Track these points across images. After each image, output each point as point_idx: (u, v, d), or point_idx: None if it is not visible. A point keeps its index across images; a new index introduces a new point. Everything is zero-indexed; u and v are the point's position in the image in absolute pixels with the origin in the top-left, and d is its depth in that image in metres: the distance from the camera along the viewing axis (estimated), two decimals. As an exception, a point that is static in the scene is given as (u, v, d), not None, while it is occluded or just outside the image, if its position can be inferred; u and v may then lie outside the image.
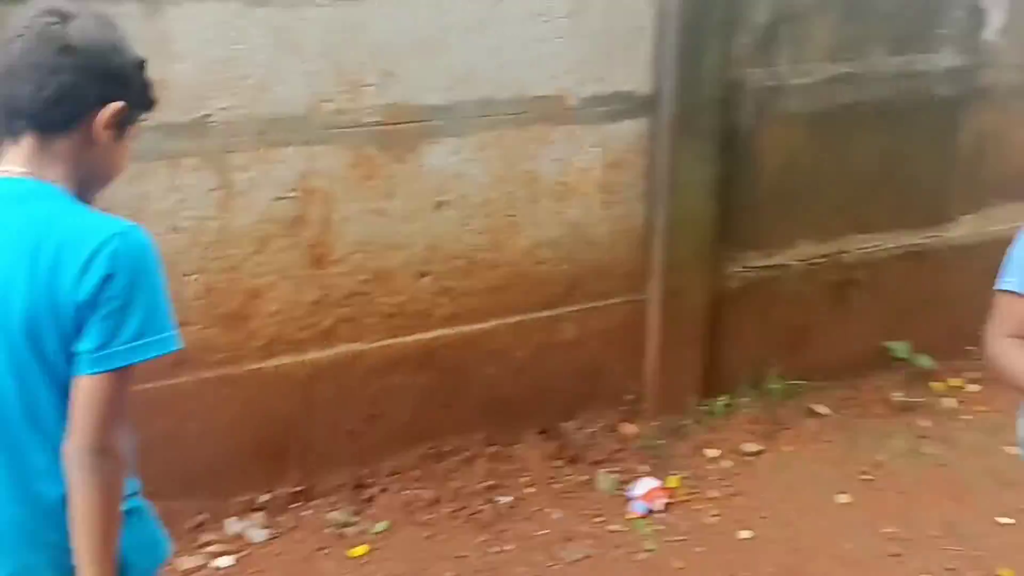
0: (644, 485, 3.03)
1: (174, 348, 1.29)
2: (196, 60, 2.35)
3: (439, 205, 2.82)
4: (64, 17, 1.28)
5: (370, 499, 2.94)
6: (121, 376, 1.26)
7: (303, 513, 2.88)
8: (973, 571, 2.77)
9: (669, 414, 3.32)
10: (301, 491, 2.90)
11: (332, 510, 2.89)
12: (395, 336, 2.90)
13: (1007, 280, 1.73)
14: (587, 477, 3.11)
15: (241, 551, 2.73)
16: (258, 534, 2.77)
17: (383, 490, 2.97)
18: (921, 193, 3.56)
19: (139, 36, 2.27)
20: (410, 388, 2.98)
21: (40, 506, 1.34)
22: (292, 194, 2.59)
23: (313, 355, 2.79)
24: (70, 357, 1.27)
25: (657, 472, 3.13)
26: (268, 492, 2.85)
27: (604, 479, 3.09)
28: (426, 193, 2.79)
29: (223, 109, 2.42)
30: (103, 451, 1.27)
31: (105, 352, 1.24)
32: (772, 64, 3.17)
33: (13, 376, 1.28)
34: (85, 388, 1.26)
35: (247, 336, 2.67)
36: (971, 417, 3.53)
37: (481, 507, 2.96)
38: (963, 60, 3.42)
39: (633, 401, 3.33)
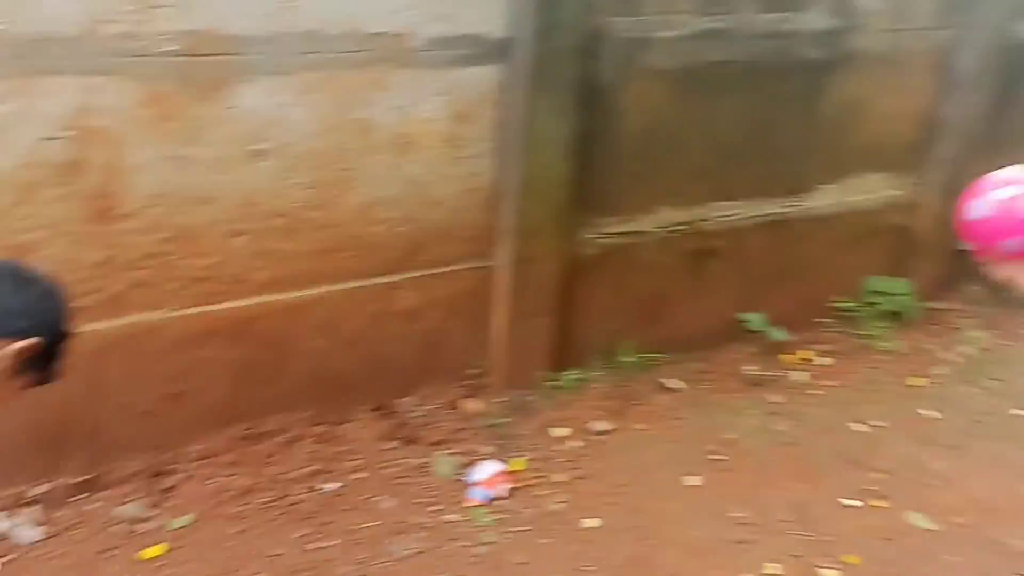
0: (486, 469, 2.78)
1: None
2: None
3: (255, 155, 2.42)
4: None
5: (171, 489, 2.57)
6: None
7: (87, 507, 2.48)
8: (819, 557, 2.67)
9: (516, 390, 3.07)
10: (86, 481, 2.49)
11: (123, 503, 2.50)
12: (203, 304, 2.51)
13: None
14: (424, 460, 2.83)
15: (6, 555, 2.31)
16: (29, 533, 2.36)
17: (188, 478, 2.60)
18: (783, 160, 3.40)
19: None
20: (222, 362, 2.60)
21: None
22: (65, 133, 2.14)
23: (100, 325, 2.37)
24: None
25: (501, 454, 2.89)
26: (45, 483, 2.43)
27: (442, 462, 2.82)
28: (238, 140, 2.39)
29: (-33, 24, 1.95)
30: None
31: None
32: (637, 13, 2.90)
33: None
34: None
35: (12, 303, 2.22)
36: (822, 392, 3.45)
37: (302, 496, 2.64)
38: (834, 22, 3.26)
39: (477, 376, 3.06)
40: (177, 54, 2.21)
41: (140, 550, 2.38)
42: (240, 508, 2.56)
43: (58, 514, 2.43)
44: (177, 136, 2.29)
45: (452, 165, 2.77)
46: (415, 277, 2.85)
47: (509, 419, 3.01)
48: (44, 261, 2.22)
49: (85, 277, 2.30)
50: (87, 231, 2.26)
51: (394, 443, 2.86)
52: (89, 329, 2.35)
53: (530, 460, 2.88)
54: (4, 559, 2.29)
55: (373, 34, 2.50)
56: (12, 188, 2.12)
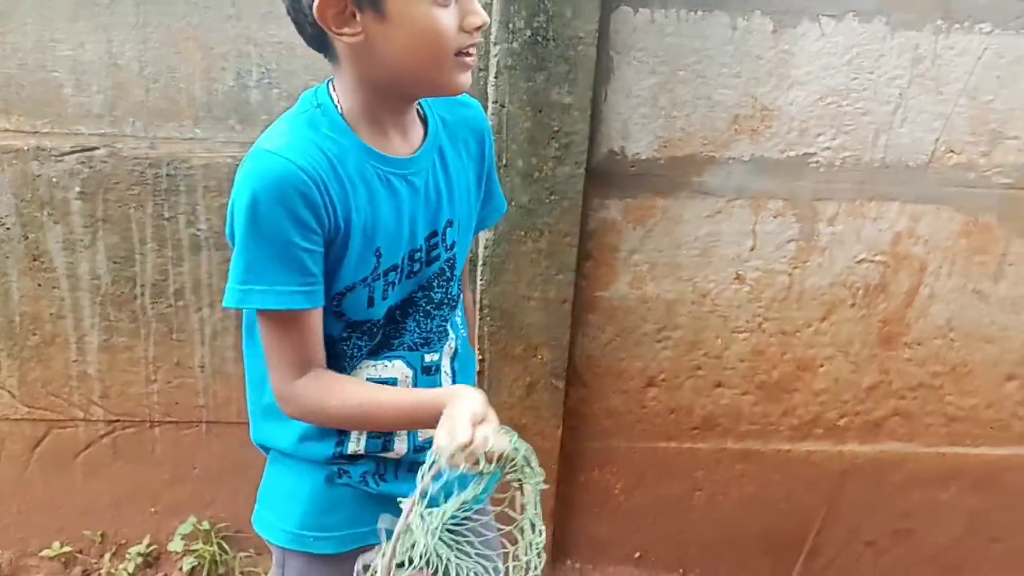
0: None
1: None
2: (813, 88, 1.97)
3: (1058, 297, 2.19)
4: None
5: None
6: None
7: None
8: None
9: None
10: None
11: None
12: (955, 445, 2.33)
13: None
14: None
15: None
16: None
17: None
18: None
19: (761, 54, 1.97)
20: (957, 508, 2.40)
21: None
22: (879, 258, 2.13)
23: (852, 447, 2.32)
24: None
25: None
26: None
27: None
28: (1046, 279, 2.17)
29: (827, 149, 2.02)
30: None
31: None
32: None
33: None
34: None
35: (784, 412, 2.27)
36: None
37: None
38: None
39: None
40: (1009, 187, 2.07)
41: None
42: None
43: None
44: (981, 270, 2.15)
45: None
46: None
47: None
48: (822, 377, 2.24)
49: (853, 399, 2.26)
50: (868, 354, 2.22)
51: None
52: (841, 449, 2.33)
53: None
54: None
55: None
56: (818, 304, 2.17)
